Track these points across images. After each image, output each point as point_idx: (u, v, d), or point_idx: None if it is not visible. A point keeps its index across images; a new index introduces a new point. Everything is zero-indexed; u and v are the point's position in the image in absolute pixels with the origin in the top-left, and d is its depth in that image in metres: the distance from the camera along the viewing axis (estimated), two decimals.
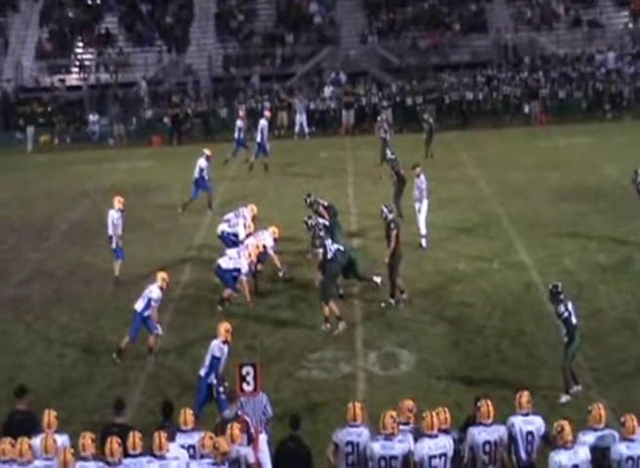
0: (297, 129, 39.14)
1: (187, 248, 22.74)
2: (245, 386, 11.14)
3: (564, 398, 13.81)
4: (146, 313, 16.01)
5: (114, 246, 20.01)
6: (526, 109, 39.51)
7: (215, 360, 13.42)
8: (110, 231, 19.99)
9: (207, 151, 26.03)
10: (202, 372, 13.59)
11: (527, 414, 10.75)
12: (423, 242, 21.66)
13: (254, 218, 20.48)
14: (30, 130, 39.87)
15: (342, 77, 42.95)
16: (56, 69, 44.88)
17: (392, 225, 18.04)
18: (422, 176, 21.96)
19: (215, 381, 13.39)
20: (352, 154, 33.90)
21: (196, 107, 40.75)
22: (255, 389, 11.21)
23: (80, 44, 45.97)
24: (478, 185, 27.74)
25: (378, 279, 18.19)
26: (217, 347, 13.48)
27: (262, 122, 31.12)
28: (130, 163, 34.51)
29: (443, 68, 43.20)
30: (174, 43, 45.30)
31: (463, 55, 44.63)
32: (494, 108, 40.57)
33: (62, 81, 44.08)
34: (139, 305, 16.05)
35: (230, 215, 20.67)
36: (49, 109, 42.52)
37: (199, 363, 13.99)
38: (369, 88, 41.25)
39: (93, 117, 41.43)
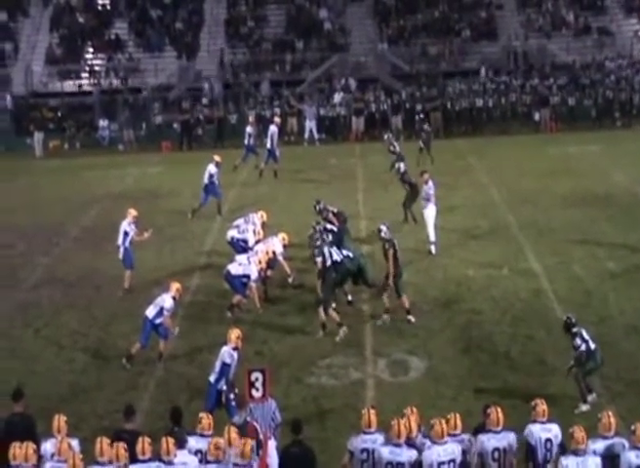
0: (306, 135, 39.11)
1: (197, 253, 22.77)
2: (254, 392, 11.17)
3: (584, 407, 13.71)
4: (157, 321, 16.05)
5: (121, 256, 20.09)
6: (536, 116, 39.44)
7: (225, 366, 13.44)
8: (119, 241, 20.07)
9: (217, 157, 26.05)
10: (212, 379, 13.60)
11: (544, 422, 10.74)
12: (432, 248, 21.66)
13: (263, 225, 20.50)
14: (39, 135, 39.75)
15: (352, 84, 42.89)
16: (66, 74, 44.92)
17: (387, 246, 17.64)
18: (431, 182, 21.98)
19: (224, 387, 13.40)
20: (362, 161, 33.88)
21: (212, 113, 40.66)
22: (264, 395, 11.25)
23: (90, 49, 45.99)
24: (488, 192, 27.72)
25: None
26: (227, 353, 13.50)
27: (272, 128, 31.17)
28: (140, 168, 34.49)
29: (453, 75, 43.19)
30: (184, 49, 45.38)
31: (473, 61, 44.62)
32: (503, 115, 40.57)
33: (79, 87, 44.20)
34: (150, 312, 16.08)
35: (240, 221, 20.69)
36: (59, 114, 42.58)
37: (208, 369, 14.02)
38: (378, 94, 41.24)
39: (102, 122, 41.46)
